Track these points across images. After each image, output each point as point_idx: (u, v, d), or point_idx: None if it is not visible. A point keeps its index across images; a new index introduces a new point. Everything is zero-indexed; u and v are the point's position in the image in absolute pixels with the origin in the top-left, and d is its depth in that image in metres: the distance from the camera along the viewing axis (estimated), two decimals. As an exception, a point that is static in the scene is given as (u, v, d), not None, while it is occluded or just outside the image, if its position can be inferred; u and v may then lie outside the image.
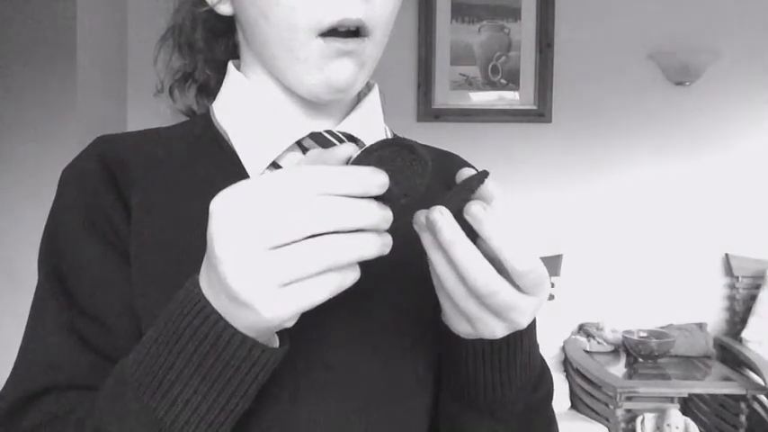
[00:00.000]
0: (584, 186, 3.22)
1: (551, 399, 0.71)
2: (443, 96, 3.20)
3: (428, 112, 3.18)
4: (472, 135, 3.17)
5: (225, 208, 0.46)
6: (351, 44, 0.60)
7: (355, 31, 0.60)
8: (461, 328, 0.56)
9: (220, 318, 0.48)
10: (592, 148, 3.22)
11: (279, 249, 0.45)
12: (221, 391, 0.50)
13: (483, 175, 0.53)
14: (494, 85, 3.22)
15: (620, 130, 3.21)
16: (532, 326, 0.61)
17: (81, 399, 0.56)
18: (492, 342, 0.58)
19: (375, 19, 0.61)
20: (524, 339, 0.60)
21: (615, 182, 3.22)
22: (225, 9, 0.67)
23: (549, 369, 0.71)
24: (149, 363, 0.51)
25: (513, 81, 3.21)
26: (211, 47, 0.72)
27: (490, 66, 3.20)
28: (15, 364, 0.61)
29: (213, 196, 0.62)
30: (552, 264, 3.15)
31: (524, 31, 3.18)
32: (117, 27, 3.02)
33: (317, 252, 0.45)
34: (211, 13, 0.68)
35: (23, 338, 0.62)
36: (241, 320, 0.47)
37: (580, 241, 3.20)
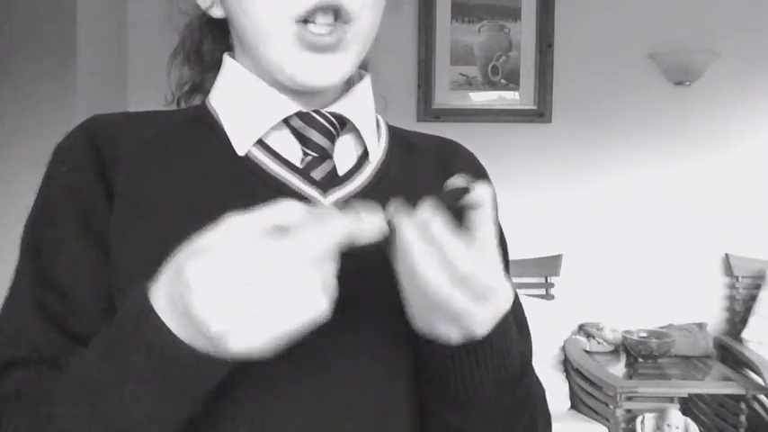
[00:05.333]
0: (583, 186, 3.22)
1: (531, 398, 0.67)
2: (443, 96, 3.20)
3: (428, 112, 3.18)
4: (472, 135, 3.15)
5: (207, 283, 0.47)
6: (326, 39, 0.60)
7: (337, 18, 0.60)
8: (422, 327, 0.58)
9: (173, 335, 0.49)
10: (592, 148, 3.22)
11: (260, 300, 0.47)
12: (171, 400, 0.51)
13: (463, 191, 0.55)
14: (494, 85, 3.22)
15: (620, 130, 3.21)
16: (504, 329, 0.59)
17: (45, 376, 0.58)
18: (455, 347, 0.58)
19: (356, 3, 0.61)
20: (494, 342, 0.58)
21: (615, 182, 3.22)
22: (217, 12, 0.68)
23: (532, 373, 0.69)
24: (101, 369, 0.52)
25: (513, 81, 3.21)
26: (214, 55, 0.73)
27: (490, 66, 3.20)
28: None
29: (198, 173, 0.62)
30: (552, 264, 3.16)
31: (524, 31, 3.18)
32: (117, 27, 3.02)
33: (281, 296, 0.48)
34: (211, 19, 0.69)
35: (6, 300, 0.63)
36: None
37: (580, 241, 3.20)
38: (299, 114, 0.65)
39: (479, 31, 3.19)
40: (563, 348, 3.04)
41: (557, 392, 2.87)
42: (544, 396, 0.72)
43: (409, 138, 0.75)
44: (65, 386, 0.54)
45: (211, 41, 0.73)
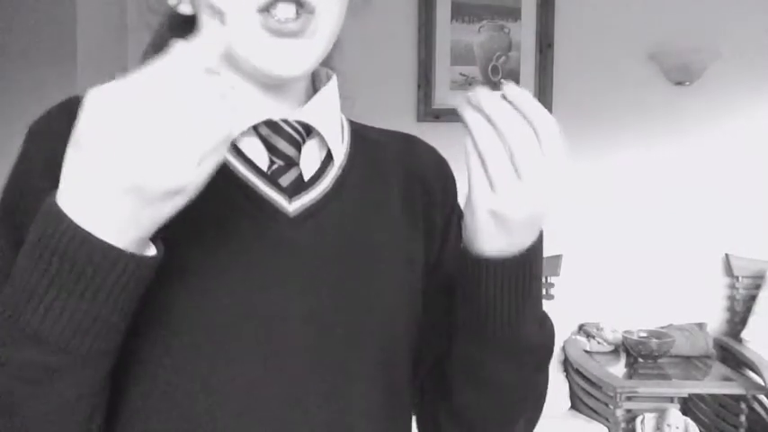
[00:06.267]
0: (583, 186, 3.22)
1: (553, 343, 0.74)
2: (443, 96, 3.19)
3: (428, 112, 3.18)
4: (472, 135, 3.17)
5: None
6: (290, 25, 0.60)
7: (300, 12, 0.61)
8: (488, 228, 0.60)
9: (79, 228, 0.50)
10: (591, 148, 3.22)
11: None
12: (90, 301, 0.51)
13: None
14: (494, 85, 3.19)
15: (619, 130, 3.20)
16: (539, 256, 0.65)
17: None
18: (509, 263, 0.62)
19: None
20: (535, 264, 0.64)
21: (615, 182, 3.22)
22: (185, 8, 0.68)
23: (550, 318, 0.73)
24: (19, 284, 0.52)
25: (513, 81, 3.20)
26: None
27: (490, 66, 3.20)
28: None
29: None
30: (552, 264, 3.15)
31: (524, 31, 3.18)
32: (117, 27, 3.02)
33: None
34: (181, 17, 0.69)
35: None
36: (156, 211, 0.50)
37: (580, 241, 3.20)
38: (267, 122, 0.66)
39: (479, 31, 3.19)
40: (563, 348, 3.04)
41: (557, 392, 2.87)
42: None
43: (371, 135, 0.76)
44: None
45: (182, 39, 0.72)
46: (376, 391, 0.67)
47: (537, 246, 0.64)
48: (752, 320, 3.08)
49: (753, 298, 3.14)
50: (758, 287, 3.14)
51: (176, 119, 0.48)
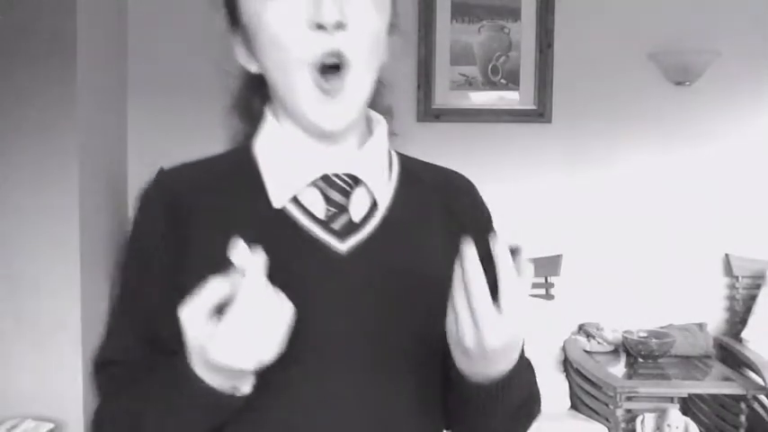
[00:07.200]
0: (583, 186, 3.22)
1: (531, 418, 0.86)
2: (443, 96, 3.20)
3: (428, 112, 3.18)
4: (472, 135, 3.17)
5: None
6: (333, 82, 0.73)
7: (338, 68, 0.74)
8: (466, 367, 0.73)
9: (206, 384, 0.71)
10: (592, 148, 3.22)
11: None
12: (207, 422, 0.74)
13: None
14: (494, 85, 3.21)
15: (620, 130, 3.20)
16: (520, 370, 0.76)
17: (131, 372, 0.80)
18: (489, 386, 0.74)
19: (350, 50, 0.73)
20: (511, 385, 0.75)
21: (615, 182, 3.22)
22: (253, 68, 0.80)
23: (537, 396, 0.86)
24: (163, 404, 0.74)
25: (513, 81, 3.21)
26: (260, 107, 0.84)
27: (490, 66, 3.20)
28: (102, 333, 0.86)
29: (239, 222, 0.80)
30: (552, 264, 3.15)
31: (524, 31, 3.18)
32: (117, 27, 3.02)
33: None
34: (254, 75, 0.81)
35: (107, 315, 0.86)
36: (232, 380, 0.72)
37: (580, 241, 3.20)
38: (323, 177, 0.79)
39: (479, 31, 3.19)
40: (563, 348, 3.04)
41: (557, 392, 2.87)
42: (536, 381, 0.86)
43: (418, 173, 0.88)
44: (148, 411, 0.76)
45: (256, 95, 0.85)
46: (415, 397, 0.80)
47: (509, 375, 0.74)
48: (752, 320, 3.08)
49: (753, 298, 3.14)
50: (758, 287, 3.14)
51: (260, 324, 0.66)
